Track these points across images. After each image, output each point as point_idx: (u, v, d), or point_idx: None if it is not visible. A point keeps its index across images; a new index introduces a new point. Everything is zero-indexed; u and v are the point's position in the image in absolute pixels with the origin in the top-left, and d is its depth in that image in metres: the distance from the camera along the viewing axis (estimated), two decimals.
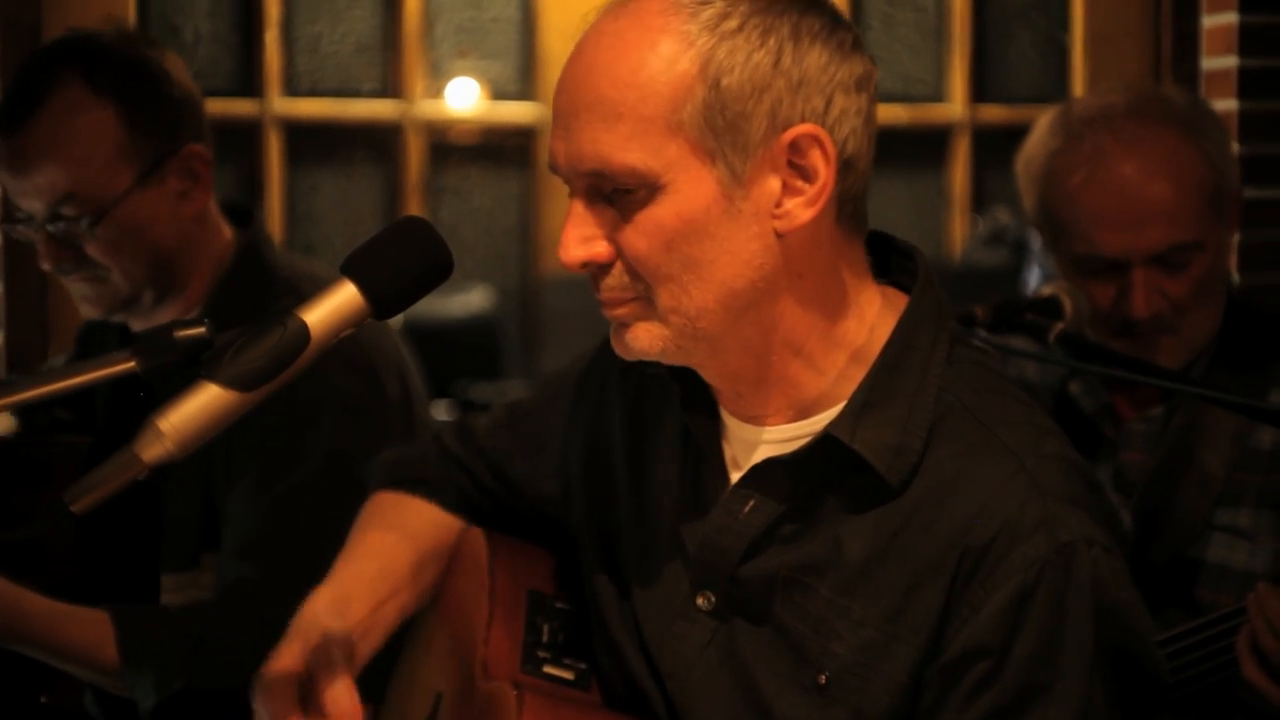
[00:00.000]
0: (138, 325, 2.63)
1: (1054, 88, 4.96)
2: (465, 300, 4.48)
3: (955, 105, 5.02)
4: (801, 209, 1.68)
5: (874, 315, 1.76)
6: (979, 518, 1.66)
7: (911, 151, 5.06)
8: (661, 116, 1.64)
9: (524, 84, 5.12)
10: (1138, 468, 2.53)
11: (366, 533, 2.08)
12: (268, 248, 2.70)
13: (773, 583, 1.75)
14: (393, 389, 2.59)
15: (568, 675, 1.96)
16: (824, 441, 1.72)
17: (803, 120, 1.66)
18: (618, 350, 1.75)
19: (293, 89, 4.78)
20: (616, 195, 1.67)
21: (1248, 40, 4.43)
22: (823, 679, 1.72)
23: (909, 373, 1.73)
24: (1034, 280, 4.74)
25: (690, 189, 1.66)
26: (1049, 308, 2.37)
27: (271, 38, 4.71)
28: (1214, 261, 2.50)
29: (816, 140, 1.66)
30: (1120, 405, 2.58)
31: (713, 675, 1.80)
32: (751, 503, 1.76)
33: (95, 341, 2.83)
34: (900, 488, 1.70)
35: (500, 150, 5.09)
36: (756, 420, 1.78)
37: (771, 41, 1.65)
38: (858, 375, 1.73)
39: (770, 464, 1.76)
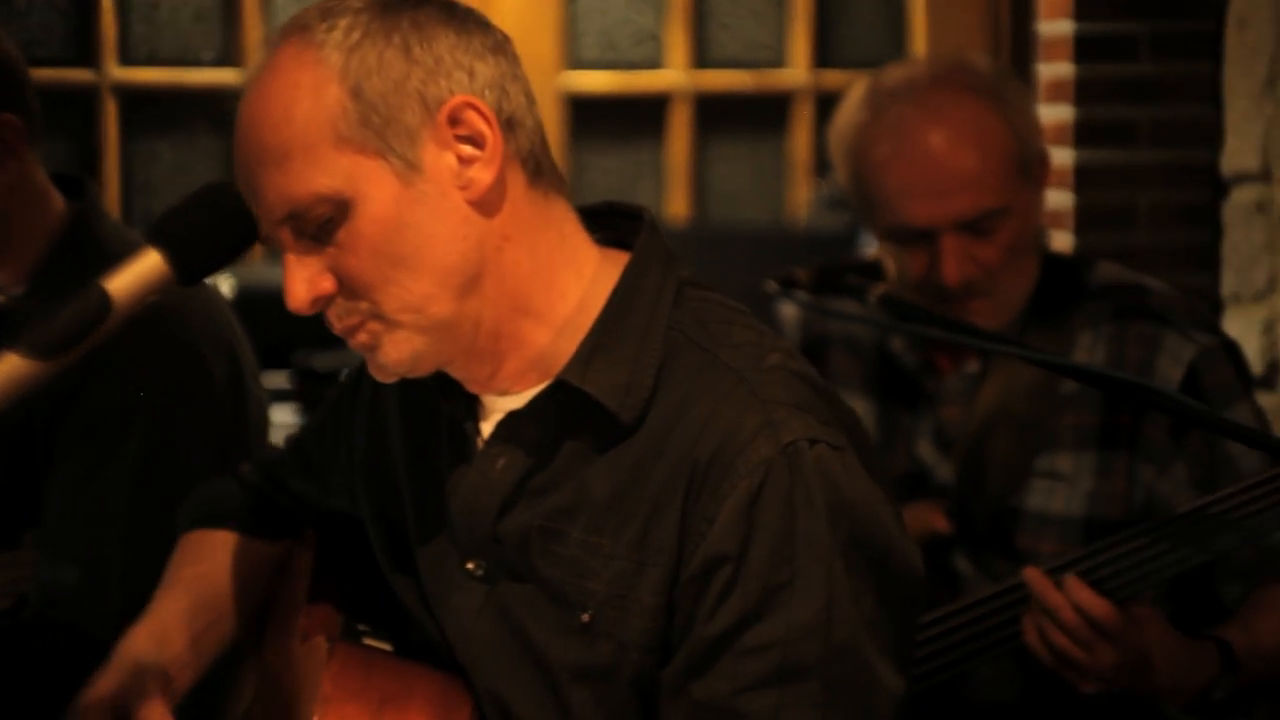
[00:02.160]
0: None
1: (895, 53, 5.01)
2: None
3: (798, 71, 5.06)
4: (481, 172, 1.74)
5: (593, 269, 1.82)
6: (703, 434, 1.72)
7: (754, 117, 5.09)
8: (324, 139, 1.70)
9: None
10: (956, 423, 2.58)
11: (178, 570, 2.13)
12: (99, 220, 2.65)
13: (529, 535, 1.80)
14: (220, 370, 2.55)
15: (386, 646, 1.98)
16: (557, 388, 1.78)
17: (451, 94, 1.73)
18: (376, 376, 1.80)
19: (129, 57, 4.73)
20: (317, 229, 1.72)
21: (1083, 5, 4.50)
22: (586, 618, 1.77)
23: (637, 315, 1.79)
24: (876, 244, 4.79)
25: (374, 191, 1.71)
26: (871, 270, 2.41)
27: (107, 5, 4.66)
28: (1022, 225, 2.54)
29: (470, 106, 1.73)
30: (940, 362, 2.62)
31: (490, 637, 1.84)
32: (502, 460, 1.82)
33: None
34: (635, 425, 1.76)
35: None
36: (507, 391, 1.83)
37: (396, 38, 1.72)
38: (586, 324, 1.79)
39: (511, 418, 1.81)
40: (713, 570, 1.70)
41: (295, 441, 2.20)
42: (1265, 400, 4.46)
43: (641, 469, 1.75)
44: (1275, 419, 4.41)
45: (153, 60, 4.75)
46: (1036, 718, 2.54)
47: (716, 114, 5.07)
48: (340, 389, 2.11)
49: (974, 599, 2.37)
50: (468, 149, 1.74)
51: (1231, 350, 2.57)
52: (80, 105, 4.62)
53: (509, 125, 1.76)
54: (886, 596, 1.73)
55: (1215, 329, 2.57)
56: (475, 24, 1.78)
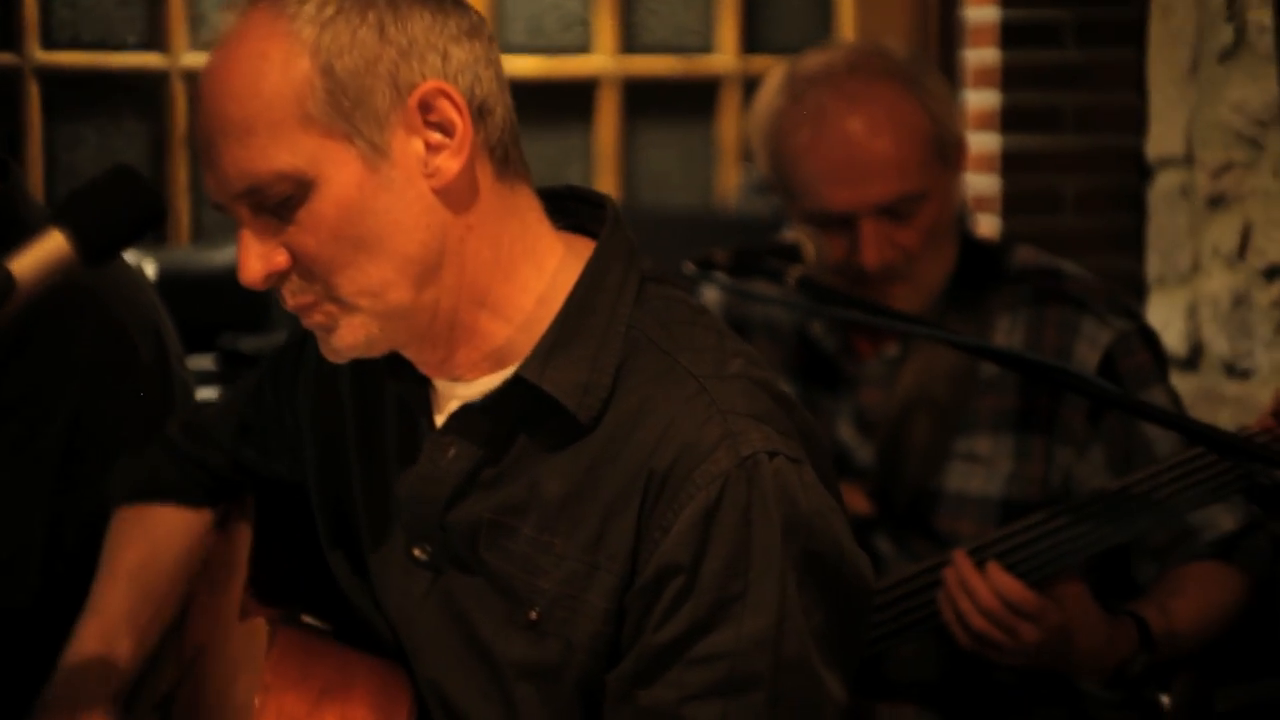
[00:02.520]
0: None
1: (823, 39, 5.02)
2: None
3: (726, 56, 5.07)
4: (449, 161, 1.71)
5: (556, 261, 1.79)
6: (661, 442, 1.70)
7: (683, 103, 5.09)
8: (290, 116, 1.67)
9: None
10: (876, 406, 2.60)
11: (119, 555, 2.12)
12: (23, 201, 2.64)
13: (478, 527, 1.79)
14: (146, 350, 2.55)
15: (324, 625, 1.97)
16: (515, 384, 1.76)
17: (423, 79, 1.70)
18: (327, 356, 1.79)
19: (52, 40, 4.69)
20: (276, 205, 1.69)
21: None
22: (534, 615, 1.76)
23: (598, 313, 1.76)
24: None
25: (338, 174, 1.68)
26: (789, 253, 2.42)
27: None
28: (941, 209, 2.57)
29: (443, 93, 1.70)
30: (860, 345, 2.64)
31: (435, 624, 1.83)
32: (453, 450, 1.80)
33: None
34: (591, 424, 1.74)
35: None
36: (459, 378, 1.81)
37: (371, 16, 1.69)
38: (546, 319, 1.77)
39: (466, 410, 1.80)
40: (665, 579, 1.69)
41: (230, 404, 2.16)
42: (1189, 382, 4.50)
43: (597, 471, 1.74)
44: (1198, 401, 4.45)
45: (76, 43, 4.71)
46: (957, 696, 2.56)
47: (645, 99, 5.07)
48: (281, 352, 2.09)
49: (897, 578, 2.39)
50: (436, 136, 1.71)
51: (1148, 335, 2.60)
52: (2, 88, 4.59)
53: (480, 113, 1.73)
54: (837, 609, 1.73)
55: (1132, 314, 2.60)
56: (452, 4, 1.75)
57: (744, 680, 1.68)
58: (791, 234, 2.49)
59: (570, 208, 1.86)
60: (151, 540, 2.12)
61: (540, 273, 1.78)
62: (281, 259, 1.71)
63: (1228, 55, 4.34)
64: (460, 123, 1.71)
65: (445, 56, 1.71)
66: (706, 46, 5.08)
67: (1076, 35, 4.64)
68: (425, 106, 1.70)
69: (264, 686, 1.81)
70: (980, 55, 4.68)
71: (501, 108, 1.76)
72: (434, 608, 1.83)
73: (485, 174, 1.75)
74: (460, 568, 1.81)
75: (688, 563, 1.67)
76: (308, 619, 1.97)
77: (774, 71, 2.65)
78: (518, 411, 1.77)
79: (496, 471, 1.79)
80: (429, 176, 1.71)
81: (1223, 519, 2.50)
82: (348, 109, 1.68)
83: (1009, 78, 4.62)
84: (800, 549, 1.69)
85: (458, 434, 1.80)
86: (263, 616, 1.95)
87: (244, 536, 2.10)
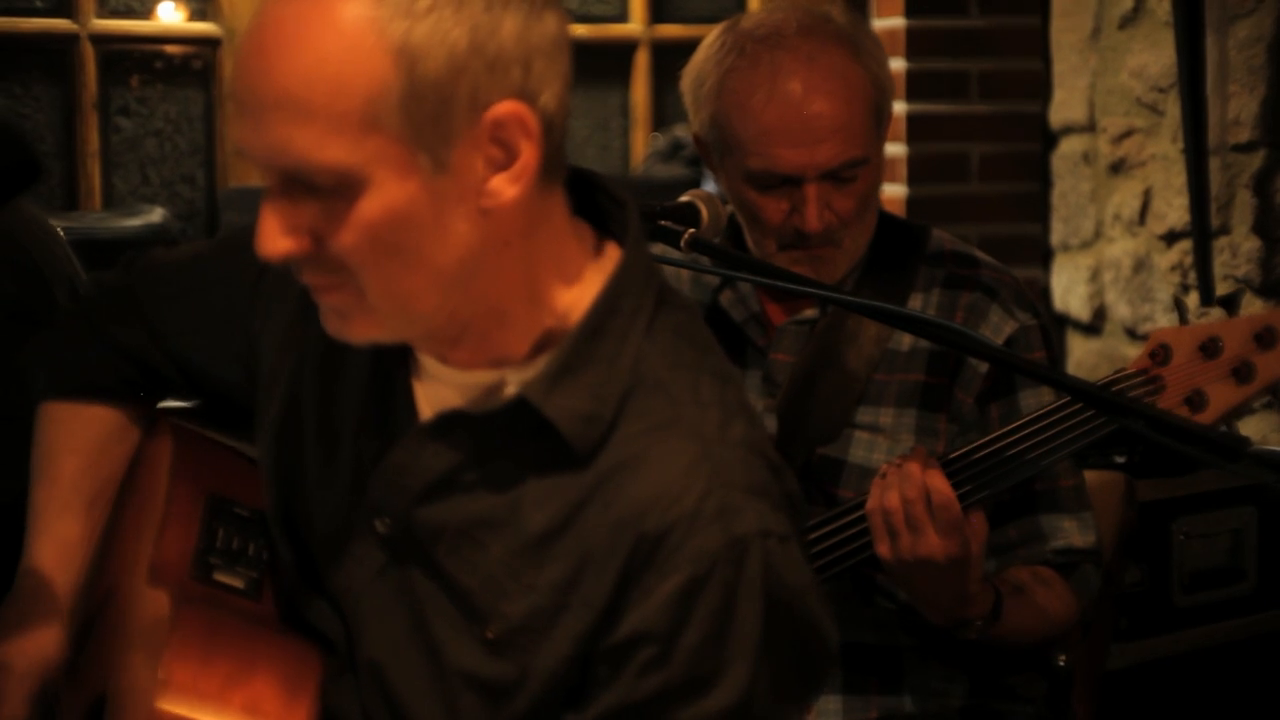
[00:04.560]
0: None
1: (731, 11, 5.06)
2: (146, 217, 4.42)
3: (636, 25, 5.09)
4: (506, 185, 1.60)
5: (581, 275, 1.70)
6: (655, 505, 1.64)
7: (595, 69, 5.11)
8: (357, 111, 1.54)
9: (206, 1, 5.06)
10: (783, 368, 2.61)
11: (59, 461, 2.02)
12: None
13: (444, 531, 1.73)
14: (61, 297, 2.58)
15: (238, 583, 1.92)
16: (517, 404, 1.67)
17: (502, 97, 1.56)
18: (330, 332, 1.69)
19: None
20: (316, 188, 1.57)
21: None
22: (490, 634, 1.71)
23: (609, 339, 1.68)
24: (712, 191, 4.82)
25: (393, 182, 1.56)
26: (684, 215, 2.40)
27: None
28: (876, 175, 2.59)
29: (518, 118, 1.57)
30: (772, 312, 2.64)
31: (385, 605, 1.78)
32: (432, 447, 1.73)
33: None
34: (587, 458, 1.67)
35: (183, 67, 5.02)
36: (451, 363, 1.73)
37: (465, 16, 1.54)
38: (559, 338, 1.68)
39: (459, 416, 1.71)
40: (639, 644, 1.64)
41: (182, 289, 2.01)
42: (1092, 346, 4.59)
43: (584, 510, 1.67)
44: (1101, 364, 4.53)
45: None
46: (858, 658, 2.57)
47: None
48: (246, 246, 1.77)
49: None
50: (499, 156, 1.59)
51: (1046, 333, 2.64)
52: None
53: (547, 130, 1.60)
54: (800, 682, 1.72)
55: (1036, 311, 2.63)
56: (544, 5, 1.59)
57: None
58: (686, 196, 2.48)
59: (588, 194, 1.75)
60: (89, 447, 2.02)
61: (566, 289, 1.69)
62: (305, 243, 1.60)
63: (1128, 21, 4.41)
64: (527, 151, 1.59)
65: (527, 69, 1.57)
66: (620, 16, 5.11)
67: (980, 2, 4.70)
68: (498, 126, 1.57)
69: (162, 679, 1.77)
70: (886, 22, 4.73)
71: (562, 118, 1.63)
72: (388, 588, 1.77)
73: (531, 189, 1.62)
74: (420, 560, 1.74)
75: (664, 633, 1.63)
76: (221, 578, 1.92)
77: (714, 30, 2.64)
78: (511, 428, 1.69)
79: (476, 479, 1.71)
80: (483, 196, 1.59)
81: (1073, 534, 2.56)
82: (420, 120, 1.55)
83: (914, 44, 4.67)
84: (777, 628, 1.65)
85: (442, 436, 1.72)
86: (167, 590, 1.88)
87: (158, 470, 2.01)
